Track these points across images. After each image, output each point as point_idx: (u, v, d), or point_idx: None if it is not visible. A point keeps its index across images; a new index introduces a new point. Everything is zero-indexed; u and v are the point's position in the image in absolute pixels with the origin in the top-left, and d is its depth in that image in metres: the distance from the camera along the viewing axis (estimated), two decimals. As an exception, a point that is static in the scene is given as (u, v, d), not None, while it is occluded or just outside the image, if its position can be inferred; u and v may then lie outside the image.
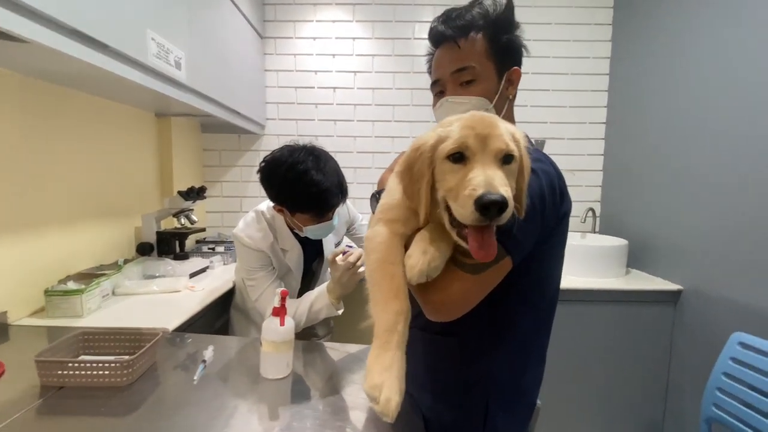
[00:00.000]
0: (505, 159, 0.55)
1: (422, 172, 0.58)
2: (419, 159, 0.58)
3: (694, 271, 1.66)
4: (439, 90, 0.81)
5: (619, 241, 1.96)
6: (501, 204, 0.49)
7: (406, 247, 0.63)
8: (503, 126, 0.57)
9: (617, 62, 2.24)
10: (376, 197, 0.77)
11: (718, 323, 1.53)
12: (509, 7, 0.77)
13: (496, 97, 0.77)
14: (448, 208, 0.57)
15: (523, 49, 0.80)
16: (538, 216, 0.65)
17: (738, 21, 1.49)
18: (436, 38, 0.80)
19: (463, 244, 0.56)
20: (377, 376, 0.53)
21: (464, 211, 0.52)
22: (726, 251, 1.51)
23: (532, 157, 0.70)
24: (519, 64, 0.80)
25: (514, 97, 0.82)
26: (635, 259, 1.99)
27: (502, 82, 0.78)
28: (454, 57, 0.77)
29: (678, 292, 1.72)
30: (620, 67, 2.22)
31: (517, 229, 0.62)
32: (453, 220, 0.57)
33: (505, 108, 0.80)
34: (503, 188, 0.51)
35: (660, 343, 1.77)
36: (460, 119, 0.57)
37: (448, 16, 0.78)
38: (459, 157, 0.55)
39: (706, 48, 1.64)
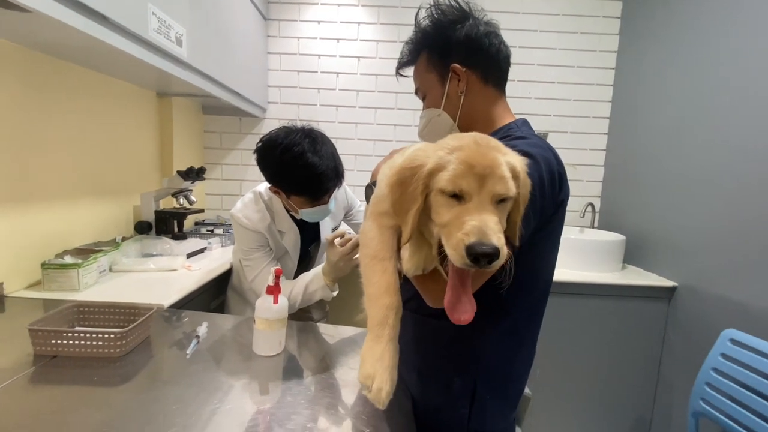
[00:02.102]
0: (501, 199, 0.54)
1: (415, 197, 0.55)
2: (413, 181, 0.55)
3: (689, 269, 1.67)
4: None
5: (617, 237, 1.96)
6: (491, 256, 0.48)
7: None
8: (504, 162, 0.53)
9: (624, 56, 2.22)
10: (371, 187, 0.77)
11: (710, 320, 1.54)
12: (441, 13, 0.81)
13: (443, 100, 0.82)
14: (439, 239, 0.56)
15: (482, 39, 0.79)
16: (537, 203, 0.65)
17: (746, 19, 1.48)
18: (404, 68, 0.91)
19: (444, 276, 0.56)
20: (370, 367, 0.55)
21: (455, 254, 0.50)
22: (721, 250, 1.51)
23: (530, 142, 0.70)
24: (463, 56, 0.79)
25: (499, 78, 0.83)
26: (632, 255, 1.99)
27: (447, 84, 0.81)
28: (413, 82, 0.90)
29: (672, 289, 1.73)
30: (627, 61, 2.20)
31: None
32: (440, 252, 0.56)
33: (460, 103, 0.81)
34: (496, 236, 0.49)
35: (653, 337, 1.78)
36: (462, 149, 0.54)
37: (402, 49, 0.89)
38: (455, 194, 0.53)
39: (713, 46, 1.62)
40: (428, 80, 0.84)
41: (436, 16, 0.82)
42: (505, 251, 0.49)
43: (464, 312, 0.54)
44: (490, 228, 0.49)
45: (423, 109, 0.88)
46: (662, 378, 1.78)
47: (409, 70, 0.90)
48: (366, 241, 0.64)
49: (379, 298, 0.59)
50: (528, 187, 0.58)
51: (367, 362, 0.56)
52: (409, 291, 0.77)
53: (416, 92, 0.90)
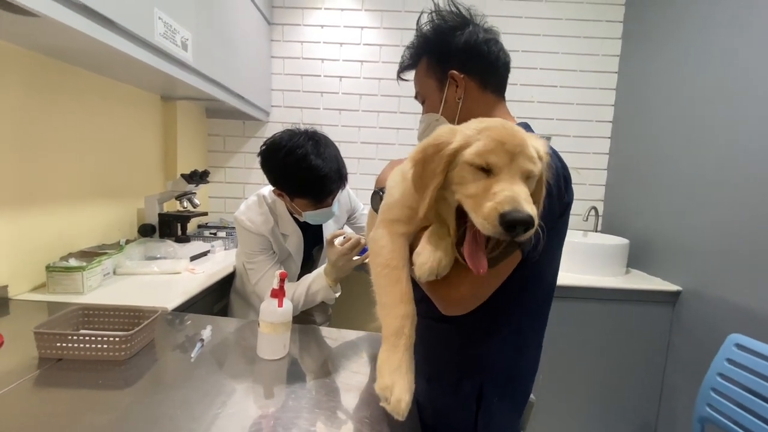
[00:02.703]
0: (528, 177, 0.55)
1: (435, 173, 0.56)
2: (437, 157, 0.56)
3: (694, 273, 1.66)
4: None
5: (620, 241, 1.95)
6: (527, 223, 0.49)
7: (413, 245, 0.63)
8: (531, 144, 0.55)
9: (626, 60, 2.23)
10: (379, 194, 0.78)
11: (715, 324, 1.53)
12: (442, 19, 0.82)
13: (442, 105, 0.82)
14: (458, 215, 0.57)
15: (481, 46, 0.80)
16: (546, 205, 0.65)
17: (748, 22, 1.48)
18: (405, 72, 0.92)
19: (462, 260, 0.58)
20: (387, 378, 0.54)
21: (486, 223, 0.51)
22: (726, 253, 1.50)
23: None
24: (462, 62, 0.80)
25: (499, 84, 0.83)
26: (636, 259, 1.99)
27: (445, 90, 0.81)
28: (414, 86, 0.90)
29: (677, 293, 1.72)
30: (629, 65, 2.20)
31: None
32: (460, 228, 0.58)
33: (458, 109, 0.81)
34: (530, 206, 0.50)
35: (657, 342, 1.77)
36: (489, 129, 0.55)
37: (403, 54, 0.89)
38: (483, 168, 0.54)
39: (715, 50, 1.62)
40: (428, 85, 0.85)
41: (437, 22, 0.82)
42: (537, 222, 0.50)
43: (481, 265, 0.55)
44: (522, 198, 0.51)
45: (422, 113, 0.89)
46: (667, 383, 1.77)
47: (410, 75, 0.91)
48: (377, 250, 0.64)
49: (394, 307, 0.58)
50: (549, 172, 0.59)
51: (385, 373, 0.55)
52: (416, 294, 0.77)
53: (416, 96, 0.91)
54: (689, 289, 1.68)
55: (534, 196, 0.57)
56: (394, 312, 0.58)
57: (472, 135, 0.55)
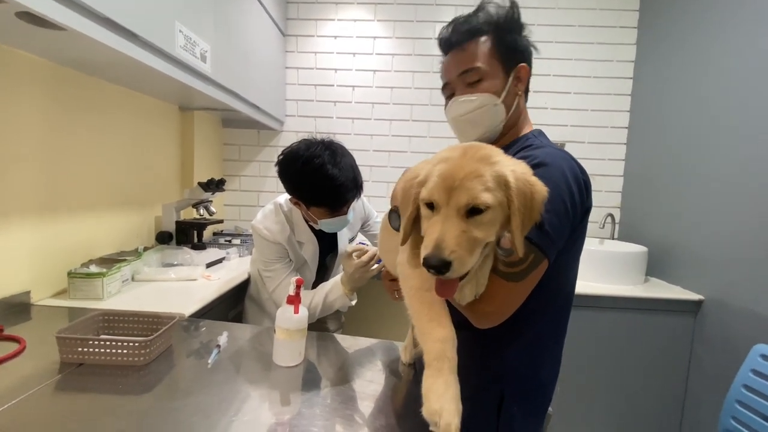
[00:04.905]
0: (473, 211, 0.54)
1: (407, 205, 0.61)
2: (409, 191, 0.61)
3: (717, 281, 1.61)
4: (449, 93, 0.85)
5: (638, 248, 1.91)
6: (438, 269, 0.52)
7: None
8: (487, 173, 0.54)
9: (641, 66, 2.20)
10: (396, 213, 0.78)
11: (739, 335, 1.48)
12: (514, 9, 0.81)
13: (504, 93, 0.79)
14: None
15: (532, 49, 0.83)
16: (569, 212, 0.66)
17: (765, 25, 1.45)
18: (445, 45, 0.84)
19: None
20: (435, 403, 0.54)
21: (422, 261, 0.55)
22: (750, 261, 1.46)
23: (551, 151, 0.70)
24: (527, 62, 0.82)
25: (526, 92, 0.84)
26: (655, 267, 1.94)
27: (510, 79, 0.80)
28: (461, 60, 0.80)
29: (699, 302, 1.67)
30: (645, 71, 2.18)
31: (551, 227, 0.63)
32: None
33: (514, 104, 0.81)
34: (449, 250, 0.52)
35: (679, 353, 1.72)
36: (446, 161, 0.57)
37: (455, 24, 0.82)
38: (431, 205, 0.57)
39: (732, 54, 1.59)
40: (493, 66, 0.79)
41: (510, 12, 0.81)
42: (461, 265, 0.53)
43: (446, 292, 0.57)
44: (445, 241, 0.53)
45: (474, 91, 0.79)
46: (690, 395, 1.71)
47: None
48: (408, 272, 0.64)
49: (432, 331, 0.58)
50: (525, 198, 0.56)
51: (432, 398, 0.54)
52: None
53: (465, 72, 0.80)
54: (712, 298, 1.63)
55: (511, 226, 0.56)
56: (433, 336, 0.58)
57: (431, 168, 0.58)
